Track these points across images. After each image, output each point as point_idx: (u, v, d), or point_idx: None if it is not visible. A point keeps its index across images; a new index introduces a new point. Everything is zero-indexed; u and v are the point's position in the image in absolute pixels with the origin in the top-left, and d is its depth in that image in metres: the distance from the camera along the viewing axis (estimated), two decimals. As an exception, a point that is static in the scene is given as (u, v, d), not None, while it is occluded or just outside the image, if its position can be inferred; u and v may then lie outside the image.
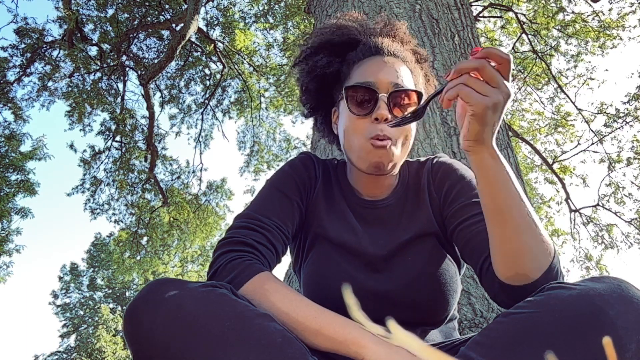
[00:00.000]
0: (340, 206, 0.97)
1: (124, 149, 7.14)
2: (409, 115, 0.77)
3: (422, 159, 1.02)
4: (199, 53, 7.59)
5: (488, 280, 0.77)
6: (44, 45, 6.30)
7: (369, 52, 0.93)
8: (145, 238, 7.88)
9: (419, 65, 1.01)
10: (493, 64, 0.64)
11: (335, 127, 1.01)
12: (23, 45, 6.16)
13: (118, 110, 6.93)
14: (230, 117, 8.17)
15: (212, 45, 7.24)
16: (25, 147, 6.52)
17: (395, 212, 0.95)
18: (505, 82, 0.64)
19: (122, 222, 7.59)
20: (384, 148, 0.85)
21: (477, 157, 0.68)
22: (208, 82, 7.82)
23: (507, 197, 0.68)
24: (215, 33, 7.59)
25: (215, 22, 7.52)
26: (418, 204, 0.95)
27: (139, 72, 6.88)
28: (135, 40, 7.03)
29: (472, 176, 0.93)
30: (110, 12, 6.58)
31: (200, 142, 7.92)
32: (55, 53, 6.44)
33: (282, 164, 1.06)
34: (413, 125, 0.92)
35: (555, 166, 7.16)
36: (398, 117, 0.85)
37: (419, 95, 0.89)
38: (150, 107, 6.64)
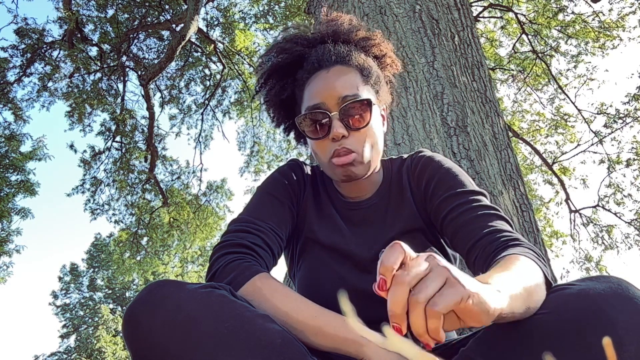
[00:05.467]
0: (328, 209, 0.98)
1: (124, 150, 7.14)
2: None
3: (405, 155, 1.03)
4: (199, 53, 7.59)
5: (475, 270, 0.78)
6: (44, 46, 6.30)
7: (314, 68, 0.92)
8: (145, 238, 7.88)
9: (370, 54, 0.99)
10: None
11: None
12: (23, 46, 6.16)
13: (118, 111, 6.93)
14: (230, 118, 8.18)
15: (212, 45, 7.24)
16: (26, 148, 6.53)
17: (380, 211, 0.96)
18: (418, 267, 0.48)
19: (122, 222, 7.59)
20: (348, 163, 0.86)
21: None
22: (208, 83, 7.83)
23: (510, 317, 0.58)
24: (215, 33, 7.60)
25: (215, 23, 7.52)
26: (401, 201, 0.95)
27: (139, 73, 6.88)
28: (135, 40, 7.04)
29: (450, 166, 0.93)
30: (110, 12, 6.59)
31: (200, 142, 7.92)
32: (55, 53, 6.44)
33: (282, 164, 1.06)
34: (377, 128, 0.92)
35: (555, 167, 7.16)
36: (354, 126, 0.87)
37: (369, 102, 0.88)
38: (150, 108, 6.64)
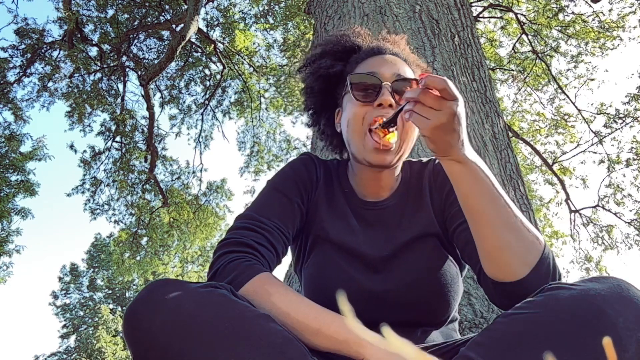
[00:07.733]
0: (341, 207, 0.97)
1: (124, 150, 7.13)
2: (384, 121, 0.83)
3: (425, 159, 1.02)
4: (199, 54, 7.59)
5: (485, 281, 0.78)
6: (44, 46, 6.30)
7: (371, 53, 0.97)
8: (145, 238, 7.88)
9: (419, 68, 1.04)
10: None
11: (338, 126, 1.02)
12: (23, 46, 6.16)
13: (118, 111, 6.93)
14: (230, 118, 8.18)
15: (212, 45, 7.24)
16: (26, 148, 6.53)
17: (396, 213, 0.95)
18: (448, 101, 0.67)
19: (122, 222, 7.59)
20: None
21: (445, 165, 0.74)
22: (208, 83, 7.83)
23: (480, 198, 0.72)
24: (215, 34, 7.60)
25: (216, 23, 7.52)
26: (419, 204, 0.94)
27: (139, 73, 6.88)
28: (136, 40, 7.04)
29: None
30: (110, 12, 6.59)
31: (200, 142, 7.92)
32: (55, 53, 6.44)
33: (282, 164, 1.06)
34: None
35: (555, 167, 7.15)
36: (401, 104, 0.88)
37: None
38: (150, 108, 6.64)
